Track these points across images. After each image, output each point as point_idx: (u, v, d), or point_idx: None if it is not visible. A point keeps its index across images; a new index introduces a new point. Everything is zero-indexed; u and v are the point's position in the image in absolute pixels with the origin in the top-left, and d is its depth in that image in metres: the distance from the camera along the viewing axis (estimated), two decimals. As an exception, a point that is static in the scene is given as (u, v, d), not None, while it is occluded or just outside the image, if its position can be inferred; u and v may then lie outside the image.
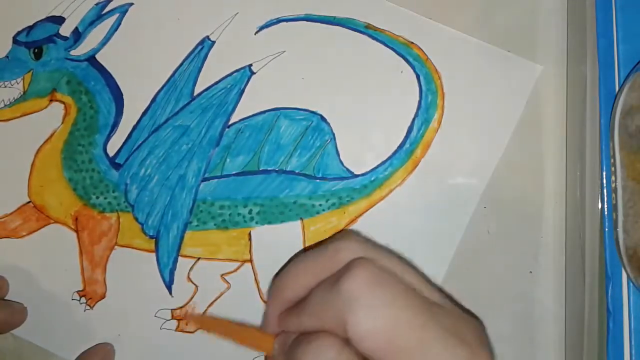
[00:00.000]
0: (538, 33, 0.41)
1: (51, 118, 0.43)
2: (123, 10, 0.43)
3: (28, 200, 0.42)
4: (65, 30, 0.43)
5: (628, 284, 0.33)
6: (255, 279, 0.41)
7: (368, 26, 0.41)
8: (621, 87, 0.34)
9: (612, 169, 0.33)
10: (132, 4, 0.43)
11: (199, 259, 0.41)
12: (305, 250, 0.40)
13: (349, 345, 0.28)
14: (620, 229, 0.33)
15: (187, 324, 0.41)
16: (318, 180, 0.41)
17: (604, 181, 0.34)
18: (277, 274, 0.36)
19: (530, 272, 0.40)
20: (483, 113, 0.40)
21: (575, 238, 0.38)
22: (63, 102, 0.43)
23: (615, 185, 0.33)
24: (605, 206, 0.34)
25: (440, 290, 0.31)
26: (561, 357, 0.39)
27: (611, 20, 0.35)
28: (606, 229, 0.34)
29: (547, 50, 0.41)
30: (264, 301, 0.40)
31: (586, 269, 0.36)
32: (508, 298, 0.39)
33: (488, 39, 0.41)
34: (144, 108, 0.42)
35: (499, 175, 0.40)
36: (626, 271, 0.33)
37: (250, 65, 0.42)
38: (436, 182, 0.40)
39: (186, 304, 0.41)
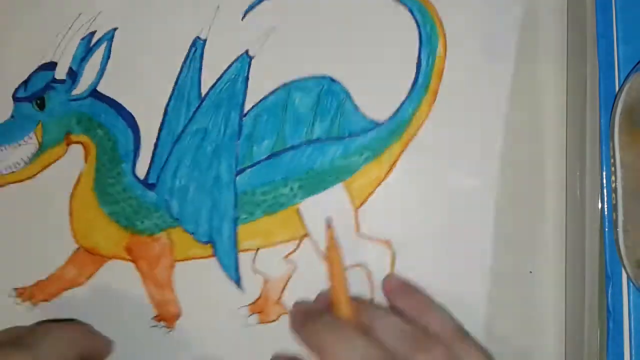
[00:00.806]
0: (538, 33, 0.41)
1: (74, 161, 0.43)
2: (109, 37, 0.43)
3: (77, 246, 0.43)
4: (60, 73, 0.43)
5: (628, 284, 0.33)
6: (317, 250, 0.41)
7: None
8: (621, 87, 0.34)
9: (612, 169, 0.33)
10: (116, 28, 0.43)
11: (258, 249, 0.42)
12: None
13: None
14: (620, 229, 0.33)
15: (268, 315, 0.41)
16: (347, 140, 0.41)
17: (604, 181, 0.34)
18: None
19: (530, 272, 0.40)
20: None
21: (575, 238, 0.38)
22: (80, 142, 0.43)
23: (615, 185, 0.33)
24: (605, 206, 0.34)
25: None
26: (561, 357, 0.39)
27: (611, 20, 0.35)
28: (606, 229, 0.34)
29: (547, 50, 0.41)
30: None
31: (586, 269, 0.36)
32: (508, 298, 0.40)
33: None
34: (159, 123, 0.42)
35: (499, 175, 0.40)
36: (626, 271, 0.33)
37: (247, 50, 0.42)
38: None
39: (260, 295, 0.42)
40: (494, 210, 0.40)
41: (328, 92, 0.41)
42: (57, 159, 0.43)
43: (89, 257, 0.42)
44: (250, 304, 0.42)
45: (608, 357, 0.33)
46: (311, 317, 0.36)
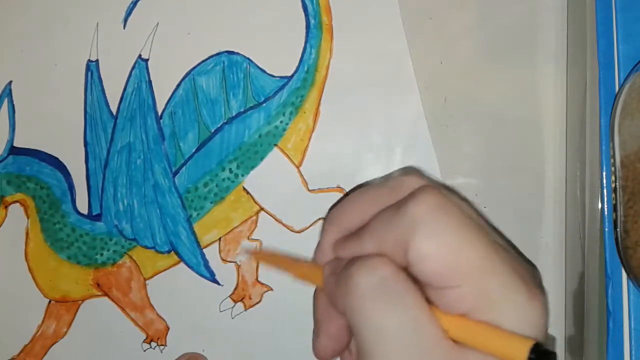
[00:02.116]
0: (538, 33, 0.40)
1: (17, 220, 0.42)
2: (7, 91, 0.43)
3: (48, 300, 0.42)
4: (-28, 141, 0.43)
5: (628, 284, 0.33)
6: (276, 220, 0.41)
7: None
8: (621, 87, 0.33)
9: (612, 169, 0.33)
10: (11, 81, 0.43)
11: (220, 239, 0.41)
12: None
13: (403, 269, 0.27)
14: (620, 229, 0.32)
15: (250, 298, 0.41)
16: (265, 104, 0.41)
17: (604, 181, 0.34)
18: (333, 205, 0.36)
19: None
20: None
21: (575, 238, 0.38)
22: (17, 201, 0.42)
23: (615, 185, 0.33)
24: (605, 206, 0.33)
25: (502, 236, 0.31)
26: (561, 357, 0.39)
27: (611, 20, 0.34)
28: (606, 229, 0.33)
29: (547, 50, 0.40)
30: (294, 230, 0.41)
31: (586, 269, 0.35)
32: None
33: (488, 39, 0.40)
34: (84, 155, 0.42)
35: (499, 175, 0.40)
36: (626, 271, 0.32)
37: (140, 55, 0.42)
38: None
39: (238, 282, 0.41)
40: (494, 210, 0.40)
41: (230, 66, 0.41)
42: (0, 224, 0.42)
43: (63, 306, 0.42)
44: (230, 295, 0.41)
45: (608, 357, 0.32)
46: None
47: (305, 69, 0.41)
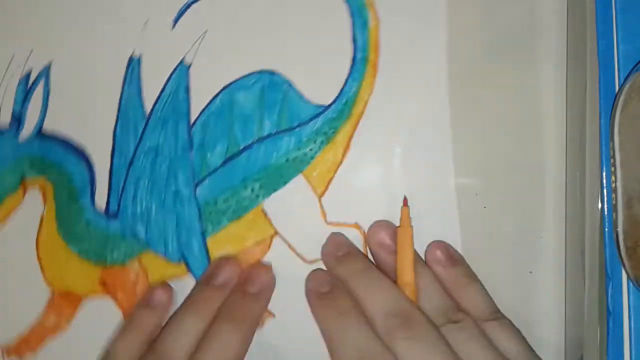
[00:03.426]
0: (538, 33, 0.40)
1: (34, 205, 0.42)
2: (45, 72, 0.43)
3: (51, 292, 0.42)
4: (5, 118, 0.43)
5: (628, 284, 0.33)
6: (289, 246, 0.40)
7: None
8: (621, 87, 0.33)
9: (612, 169, 0.33)
10: (50, 62, 0.43)
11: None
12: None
13: None
14: (620, 229, 0.32)
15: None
16: (297, 129, 0.41)
17: (604, 181, 0.34)
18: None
19: (530, 272, 0.39)
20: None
21: (575, 238, 0.38)
22: (37, 186, 0.42)
23: (615, 185, 0.33)
24: (605, 206, 0.33)
25: None
26: (561, 357, 0.39)
27: (611, 21, 0.34)
28: (606, 229, 0.33)
29: (547, 50, 0.40)
30: (305, 260, 0.40)
31: (586, 269, 0.35)
32: (508, 298, 0.39)
33: (488, 39, 0.40)
34: (110, 151, 0.42)
35: (499, 175, 0.40)
36: (626, 271, 0.33)
37: (183, 59, 0.41)
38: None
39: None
40: (494, 210, 0.40)
41: (270, 86, 0.41)
42: (16, 207, 0.42)
43: (65, 300, 0.42)
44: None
45: (608, 357, 0.32)
46: None
47: (344, 101, 0.40)
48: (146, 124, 0.41)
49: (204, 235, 0.41)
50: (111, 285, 0.42)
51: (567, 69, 0.40)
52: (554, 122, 0.40)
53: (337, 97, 0.40)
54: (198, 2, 0.42)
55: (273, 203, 0.41)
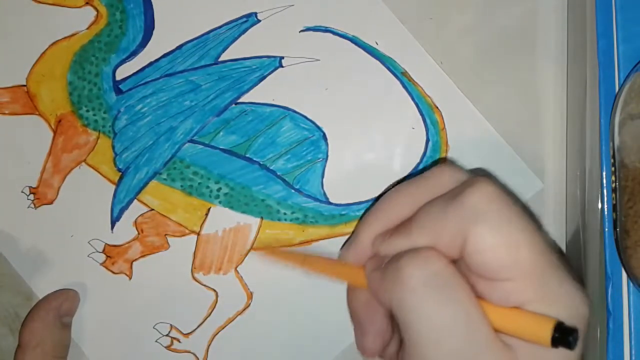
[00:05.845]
0: (538, 33, 0.41)
1: (80, 21, 0.42)
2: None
3: (24, 84, 0.42)
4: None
5: (628, 284, 0.33)
6: (195, 251, 0.41)
7: (404, 74, 0.41)
8: (621, 87, 0.34)
9: (612, 169, 0.33)
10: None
11: (152, 209, 0.41)
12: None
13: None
14: (620, 229, 0.33)
15: (113, 264, 0.41)
16: (293, 191, 0.41)
17: (604, 181, 0.34)
18: (376, 199, 0.37)
19: None
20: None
21: (575, 238, 0.38)
22: (97, 10, 0.42)
23: (615, 185, 0.33)
24: (605, 206, 0.34)
25: None
26: None
27: (611, 20, 0.35)
28: (606, 229, 0.34)
29: (547, 50, 0.41)
30: (194, 278, 0.41)
31: (586, 269, 0.36)
32: None
33: (488, 39, 0.41)
34: (168, 50, 0.42)
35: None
36: (626, 271, 0.33)
37: (282, 58, 0.42)
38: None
39: (123, 244, 0.41)
40: None
41: (313, 144, 0.41)
42: (70, 7, 0.43)
43: (25, 99, 0.42)
44: (108, 244, 0.41)
45: (608, 357, 0.33)
46: None
47: (341, 213, 0.41)
48: (210, 65, 0.42)
49: (155, 175, 0.41)
50: (62, 128, 0.42)
51: (567, 69, 0.40)
52: (554, 122, 0.40)
53: (340, 205, 0.41)
54: (334, 36, 0.42)
55: (219, 214, 0.42)
